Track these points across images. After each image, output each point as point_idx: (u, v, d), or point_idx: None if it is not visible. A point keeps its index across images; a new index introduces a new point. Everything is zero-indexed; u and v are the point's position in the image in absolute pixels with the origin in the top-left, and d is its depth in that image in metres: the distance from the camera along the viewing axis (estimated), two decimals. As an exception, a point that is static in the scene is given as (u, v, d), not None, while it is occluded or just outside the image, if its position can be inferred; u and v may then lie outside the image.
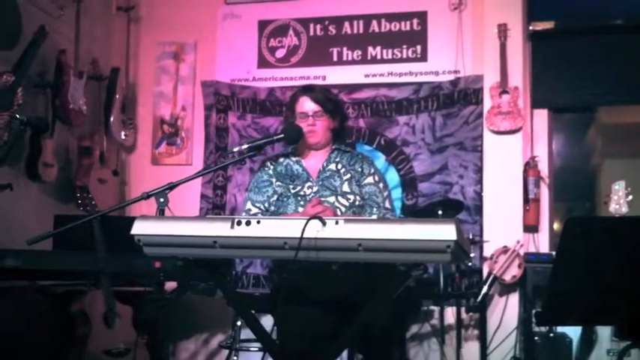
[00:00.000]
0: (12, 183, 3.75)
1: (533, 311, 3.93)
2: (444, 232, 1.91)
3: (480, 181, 4.56)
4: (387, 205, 2.85)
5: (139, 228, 2.13)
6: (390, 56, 4.90)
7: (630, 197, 3.35)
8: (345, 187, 2.83)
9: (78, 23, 4.46)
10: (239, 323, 4.04)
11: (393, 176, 4.69)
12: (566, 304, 2.14)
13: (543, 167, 4.57)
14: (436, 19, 4.84)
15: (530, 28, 4.66)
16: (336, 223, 2.00)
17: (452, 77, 4.72)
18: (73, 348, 3.51)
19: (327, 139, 2.93)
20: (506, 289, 4.43)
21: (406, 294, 2.42)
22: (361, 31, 4.97)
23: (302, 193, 2.82)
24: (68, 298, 3.64)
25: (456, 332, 4.27)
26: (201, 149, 5.06)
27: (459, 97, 4.66)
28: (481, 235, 4.47)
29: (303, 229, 1.98)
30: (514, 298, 4.42)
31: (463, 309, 4.33)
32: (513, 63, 4.54)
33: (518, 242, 4.32)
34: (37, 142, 4.13)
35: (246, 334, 3.95)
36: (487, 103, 4.55)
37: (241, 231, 2.05)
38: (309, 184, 2.85)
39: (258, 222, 2.05)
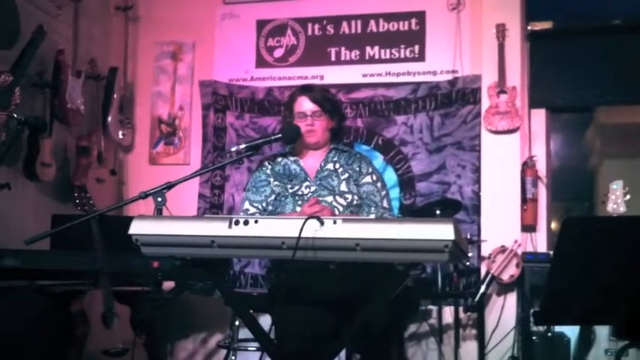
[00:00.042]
0: (10, 182, 3.76)
1: (531, 311, 3.92)
2: (441, 231, 1.91)
3: (477, 181, 4.56)
4: (385, 204, 2.85)
5: (136, 228, 2.13)
6: (388, 56, 4.90)
7: (628, 197, 3.34)
8: (343, 187, 2.83)
9: (76, 23, 4.46)
10: (237, 323, 4.04)
11: (390, 176, 4.68)
12: (564, 304, 2.15)
13: (541, 167, 4.57)
14: (434, 19, 4.84)
15: (529, 28, 4.66)
16: (334, 222, 2.00)
17: (450, 77, 4.71)
18: (72, 348, 3.50)
19: (326, 138, 2.93)
20: (504, 288, 4.43)
21: (404, 293, 2.42)
22: (359, 30, 4.97)
23: (300, 192, 2.82)
24: (67, 298, 3.63)
25: (454, 332, 4.28)
26: (198, 149, 5.05)
27: (456, 97, 4.66)
28: (479, 235, 4.47)
29: (301, 229, 1.98)
30: (512, 298, 4.42)
31: (461, 308, 4.34)
32: (511, 63, 4.53)
33: (515, 242, 4.32)
34: (35, 141, 4.12)
35: (244, 333, 3.96)
36: (485, 103, 4.55)
37: (239, 231, 2.05)
38: (306, 183, 2.85)
39: (256, 222, 2.05)
